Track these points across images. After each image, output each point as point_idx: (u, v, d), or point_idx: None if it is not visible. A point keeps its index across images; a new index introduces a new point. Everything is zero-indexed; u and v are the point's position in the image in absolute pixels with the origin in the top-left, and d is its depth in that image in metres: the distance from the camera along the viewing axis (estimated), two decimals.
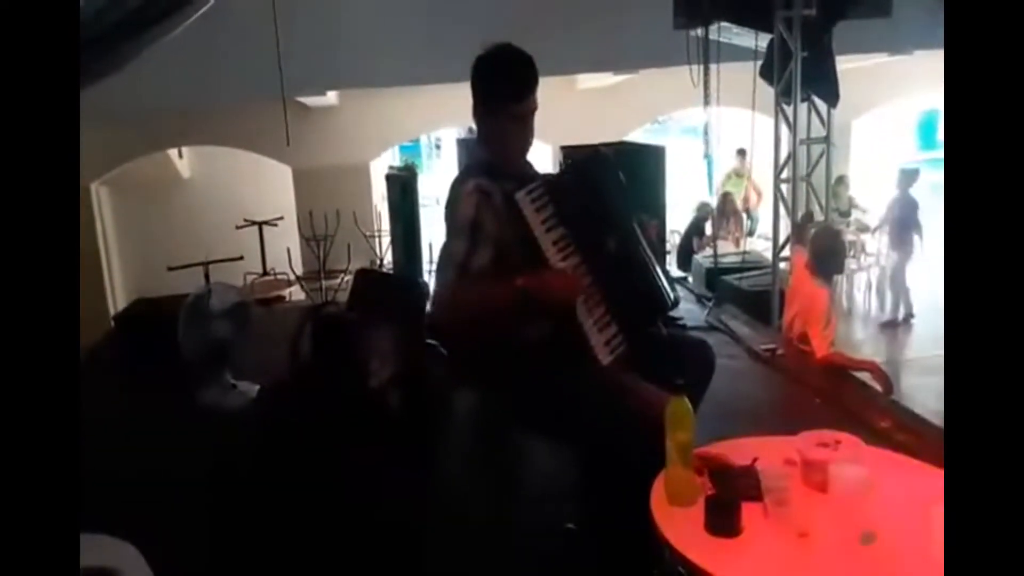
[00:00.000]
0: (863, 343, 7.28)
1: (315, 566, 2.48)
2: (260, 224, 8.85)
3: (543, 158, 8.15)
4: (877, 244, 8.26)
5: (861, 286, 8.32)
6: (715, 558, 1.46)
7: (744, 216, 9.83)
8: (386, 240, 7.90)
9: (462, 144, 6.14)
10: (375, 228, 9.33)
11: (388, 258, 7.79)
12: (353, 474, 2.91)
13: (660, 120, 12.82)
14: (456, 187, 2.13)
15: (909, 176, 7.71)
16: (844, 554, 1.47)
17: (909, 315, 7.54)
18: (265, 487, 2.98)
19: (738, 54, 5.87)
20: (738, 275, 6.17)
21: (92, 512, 1.35)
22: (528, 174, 2.20)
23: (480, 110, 2.15)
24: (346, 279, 7.44)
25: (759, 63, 5.66)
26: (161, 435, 3.59)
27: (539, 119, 2.15)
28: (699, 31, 5.72)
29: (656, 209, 4.67)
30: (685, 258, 8.36)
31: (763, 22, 5.41)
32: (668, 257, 7.81)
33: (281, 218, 9.16)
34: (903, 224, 7.68)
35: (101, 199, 10.03)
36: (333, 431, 3.05)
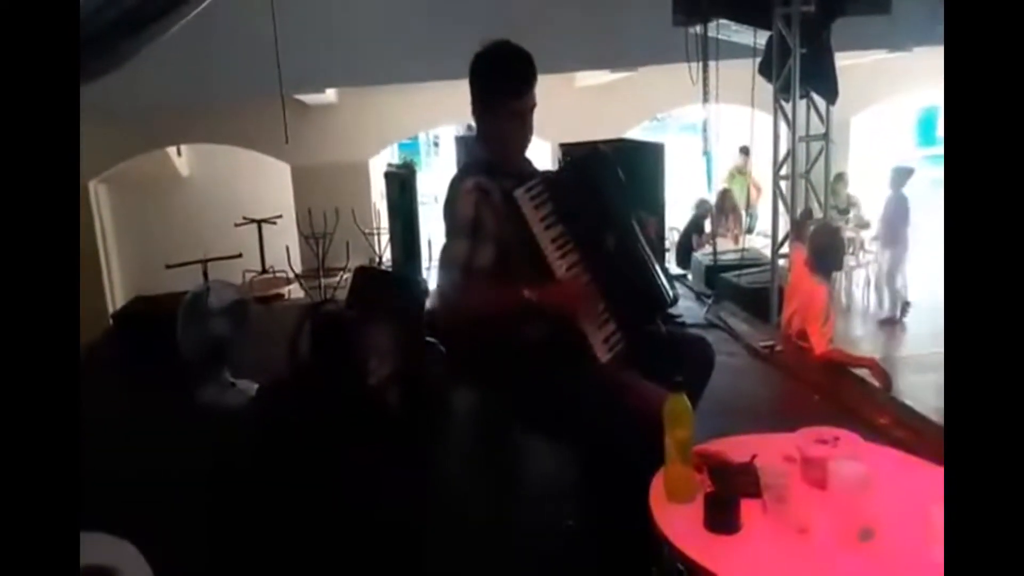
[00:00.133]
0: (862, 340, 7.29)
1: (314, 565, 2.48)
2: (259, 222, 8.84)
3: (542, 156, 8.15)
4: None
5: (860, 283, 8.33)
6: (714, 555, 1.46)
7: (743, 213, 9.83)
8: (385, 238, 7.88)
9: (460, 142, 6.12)
10: (374, 226, 9.32)
11: (387, 256, 7.78)
12: (352, 472, 2.92)
13: (659, 117, 12.80)
14: (455, 185, 2.13)
15: (902, 175, 7.73)
16: (843, 550, 1.47)
17: (903, 313, 7.57)
18: (264, 485, 2.98)
19: (737, 51, 5.87)
20: (737, 272, 6.17)
21: (91, 511, 1.34)
22: (527, 171, 2.20)
23: (479, 107, 2.15)
24: (345, 277, 7.43)
25: (758, 60, 5.66)
26: (160, 433, 3.59)
27: (538, 117, 2.15)
28: (698, 28, 5.73)
29: (655, 206, 4.67)
30: (684, 255, 8.36)
31: (762, 19, 5.41)
32: (667, 255, 7.81)
33: (280, 216, 9.15)
34: (895, 222, 7.69)
35: (100, 197, 10.02)
36: (332, 429, 3.05)
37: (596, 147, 2.48)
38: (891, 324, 7.59)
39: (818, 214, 5.58)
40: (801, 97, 5.37)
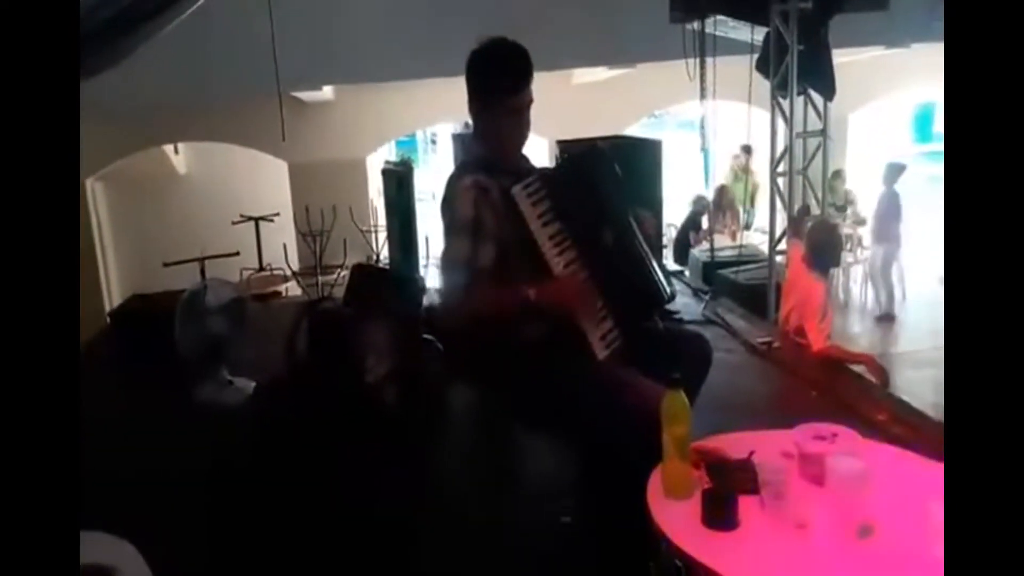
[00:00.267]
0: (859, 336, 7.31)
1: (312, 563, 2.48)
2: (256, 220, 8.82)
3: (539, 153, 8.14)
4: None
5: (858, 279, 8.34)
6: (712, 551, 1.46)
7: (741, 210, 9.85)
8: (382, 235, 7.87)
9: (458, 139, 6.12)
10: (371, 223, 9.31)
11: (384, 253, 7.77)
12: (349, 470, 2.92)
13: (657, 114, 12.82)
14: (453, 183, 2.13)
15: (894, 171, 7.75)
16: (841, 547, 1.47)
17: (890, 315, 7.61)
18: (262, 483, 2.98)
19: (734, 48, 5.86)
20: (735, 269, 6.17)
21: (89, 509, 1.34)
22: (524, 168, 2.20)
23: (476, 104, 2.14)
24: (342, 274, 7.42)
25: (755, 57, 5.66)
26: (157, 432, 3.59)
27: (535, 114, 2.15)
28: (695, 25, 5.72)
29: (653, 203, 4.66)
30: (682, 252, 8.37)
31: (759, 15, 5.40)
32: (665, 251, 7.82)
33: (277, 214, 9.14)
34: (888, 219, 7.71)
35: (96, 195, 10.00)
36: (329, 427, 3.05)
37: (594, 144, 2.48)
38: (888, 321, 7.61)
39: (816, 211, 5.57)
40: (799, 94, 5.36)
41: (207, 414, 3.74)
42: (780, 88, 5.40)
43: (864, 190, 9.09)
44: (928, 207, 7.88)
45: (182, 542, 2.49)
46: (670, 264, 7.93)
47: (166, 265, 6.74)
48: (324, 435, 3.06)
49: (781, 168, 5.60)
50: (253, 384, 3.85)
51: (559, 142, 4.92)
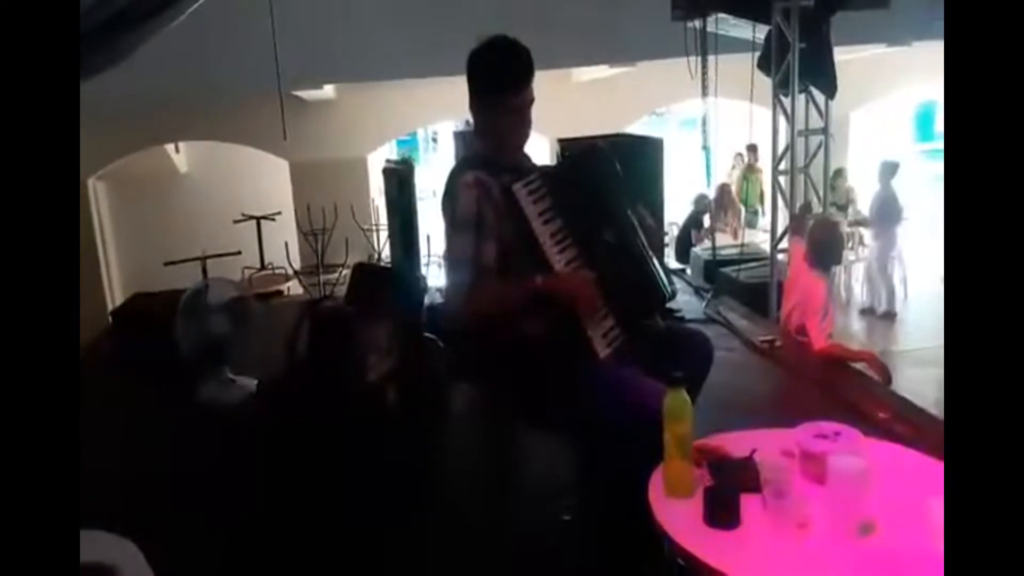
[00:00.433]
0: (861, 334, 7.30)
1: (314, 562, 2.48)
2: (258, 219, 8.83)
3: (540, 151, 8.14)
4: None
5: (859, 277, 8.34)
6: (714, 550, 1.46)
7: (743, 209, 9.85)
8: (384, 234, 7.88)
9: (459, 137, 6.12)
10: (372, 222, 9.32)
11: (386, 252, 7.77)
12: (351, 469, 2.91)
13: (659, 112, 12.80)
14: (453, 179, 2.13)
15: (889, 169, 7.76)
16: (843, 545, 1.47)
17: (890, 312, 7.61)
18: (263, 481, 2.98)
19: (736, 46, 5.86)
20: (736, 267, 6.17)
21: (90, 508, 1.34)
22: (525, 167, 2.19)
23: (477, 103, 2.14)
24: (344, 273, 7.43)
25: (757, 55, 5.65)
26: (159, 430, 3.59)
27: (536, 112, 2.15)
28: (697, 23, 5.71)
29: (654, 202, 4.66)
30: (683, 250, 8.37)
31: (761, 13, 5.40)
32: (666, 250, 7.81)
33: (279, 213, 9.15)
34: (883, 217, 7.72)
35: (98, 194, 10.01)
36: (331, 426, 3.05)
37: (595, 143, 2.47)
38: (889, 318, 7.62)
39: (817, 209, 5.57)
40: (800, 92, 5.36)
41: (209, 413, 3.74)
42: (782, 86, 5.39)
43: (865, 188, 9.08)
44: (930, 205, 7.88)
45: (184, 541, 2.49)
46: (672, 262, 7.93)
47: (168, 264, 6.76)
48: (326, 434, 3.06)
49: (783, 166, 5.59)
50: (255, 383, 3.85)
51: (560, 140, 4.92)
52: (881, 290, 7.74)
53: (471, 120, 2.24)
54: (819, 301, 3.95)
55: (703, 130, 6.89)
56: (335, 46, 7.25)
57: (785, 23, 5.20)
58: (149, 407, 3.85)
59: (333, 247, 8.67)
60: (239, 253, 7.78)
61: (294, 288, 8.12)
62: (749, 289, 5.67)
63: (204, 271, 6.29)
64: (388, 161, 7.09)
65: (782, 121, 5.53)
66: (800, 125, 5.49)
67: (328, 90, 9.05)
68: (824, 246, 4.07)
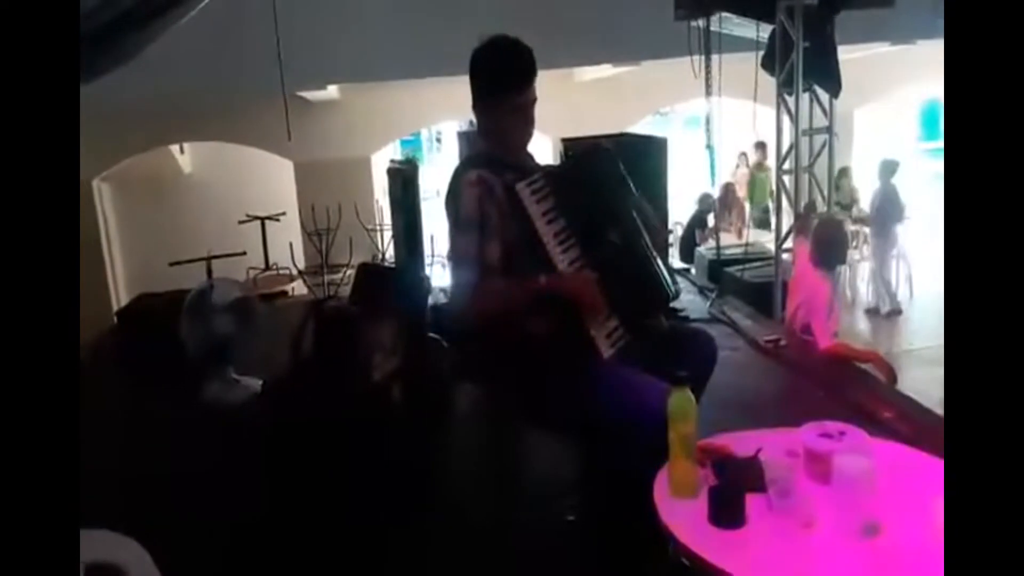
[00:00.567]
0: (866, 334, 7.29)
1: (318, 562, 2.48)
2: (262, 219, 8.85)
3: (543, 151, 8.14)
4: None
5: (864, 277, 8.32)
6: (719, 550, 1.45)
7: (748, 208, 9.84)
8: (388, 234, 7.89)
9: (463, 137, 6.11)
10: (377, 222, 9.33)
11: (390, 252, 7.78)
12: (355, 468, 2.92)
13: (663, 112, 12.78)
14: (457, 178, 2.13)
15: (889, 168, 7.76)
16: (848, 545, 1.47)
17: (897, 310, 7.61)
18: (267, 481, 2.99)
19: (739, 45, 5.85)
20: (741, 267, 6.16)
21: (94, 508, 1.35)
22: (529, 166, 2.19)
23: (480, 103, 2.14)
24: (348, 273, 7.43)
25: (761, 54, 5.64)
26: (164, 430, 3.60)
27: (539, 112, 2.15)
28: (700, 22, 5.71)
29: (658, 201, 4.66)
30: (688, 250, 8.36)
31: (765, 12, 5.39)
32: (671, 249, 7.80)
33: (283, 213, 9.16)
34: (882, 215, 7.71)
35: (103, 195, 10.04)
36: (335, 425, 3.06)
37: (598, 142, 2.47)
38: (894, 315, 7.62)
39: (821, 208, 5.56)
40: (804, 91, 5.34)
41: (213, 413, 3.75)
42: (786, 85, 5.38)
43: (869, 187, 9.06)
44: (935, 204, 7.85)
45: (188, 541, 2.50)
46: (676, 262, 7.92)
47: (172, 264, 6.77)
48: (330, 434, 3.06)
49: (787, 165, 5.58)
50: (259, 383, 3.86)
51: (564, 140, 4.92)
52: (881, 289, 7.73)
53: (475, 120, 2.24)
54: (824, 300, 3.94)
55: (707, 129, 6.88)
56: (339, 46, 7.26)
57: (789, 22, 5.19)
58: (153, 407, 3.85)
59: (337, 247, 8.67)
60: (244, 253, 7.79)
61: (298, 288, 8.13)
62: (754, 289, 5.66)
63: (209, 271, 6.29)
64: (392, 161, 7.10)
65: (786, 120, 5.53)
66: (804, 124, 5.49)
67: (332, 90, 9.06)
68: (829, 245, 4.06)
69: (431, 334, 3.57)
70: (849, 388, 3.69)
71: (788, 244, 5.47)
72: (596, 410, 1.94)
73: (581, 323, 2.01)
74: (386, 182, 6.23)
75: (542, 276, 1.98)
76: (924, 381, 4.33)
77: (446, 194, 2.16)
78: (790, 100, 5.40)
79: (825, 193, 5.69)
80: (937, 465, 1.73)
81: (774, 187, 9.74)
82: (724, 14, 5.59)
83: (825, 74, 5.35)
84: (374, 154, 10.21)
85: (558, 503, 2.52)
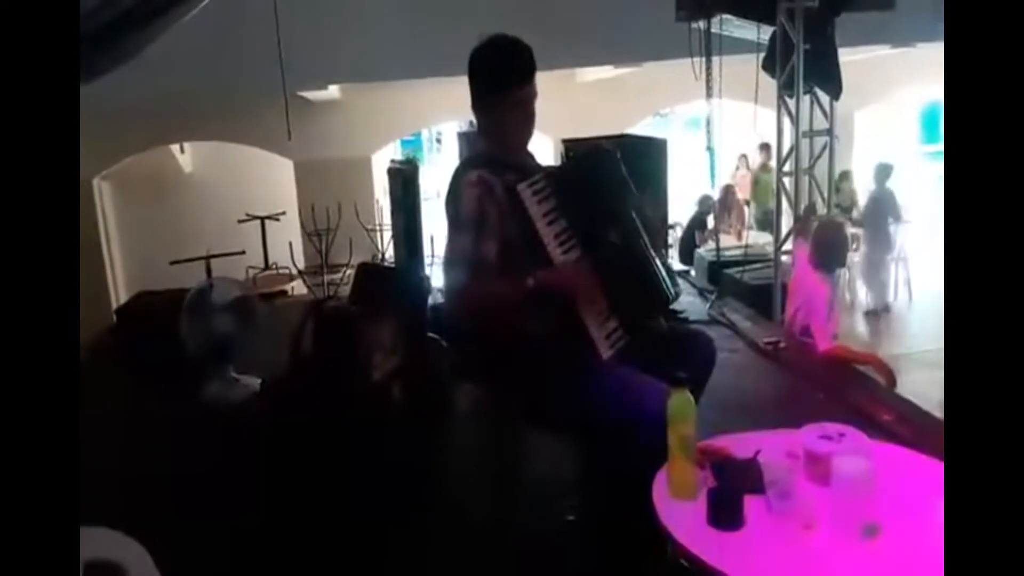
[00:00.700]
0: (866, 336, 7.29)
1: (318, 561, 2.48)
2: (262, 218, 8.85)
3: (544, 152, 8.14)
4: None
5: (873, 278, 8.31)
6: (718, 551, 1.46)
7: (746, 209, 9.83)
8: (388, 234, 7.89)
9: (463, 137, 6.12)
10: (376, 222, 9.33)
11: (390, 252, 7.78)
12: (355, 468, 2.92)
13: (663, 113, 12.79)
14: (457, 178, 2.13)
15: (884, 171, 7.79)
16: (847, 547, 1.47)
17: (886, 308, 7.65)
18: (266, 481, 2.99)
19: (740, 47, 5.85)
20: (740, 268, 6.16)
21: (93, 507, 1.35)
22: (530, 166, 2.20)
23: (480, 101, 2.14)
24: (348, 273, 7.44)
25: (761, 55, 5.64)
26: (163, 429, 3.60)
27: (540, 112, 2.15)
28: (701, 24, 5.71)
29: (658, 202, 4.66)
30: (687, 252, 8.36)
31: (765, 14, 5.39)
32: (670, 251, 7.81)
33: (283, 212, 9.16)
34: (877, 219, 7.72)
35: (103, 194, 10.04)
36: (335, 425, 3.06)
37: (599, 143, 2.47)
38: (875, 316, 7.65)
39: (821, 210, 5.56)
40: (805, 93, 5.35)
41: (212, 412, 3.75)
42: (786, 87, 5.38)
43: (870, 190, 9.06)
44: (935, 207, 7.85)
45: (187, 540, 2.49)
46: (676, 264, 7.92)
47: (172, 263, 6.77)
48: (329, 433, 3.06)
49: (787, 167, 5.58)
50: (258, 382, 3.86)
51: (564, 141, 4.93)
52: (875, 289, 7.75)
53: (475, 121, 2.24)
54: (823, 303, 3.94)
55: (707, 131, 6.89)
56: (340, 46, 7.26)
57: (790, 24, 5.20)
58: (153, 406, 3.86)
59: (337, 247, 8.67)
60: (243, 253, 7.79)
61: (298, 288, 8.13)
62: (753, 291, 5.66)
63: (208, 270, 6.29)
64: (392, 161, 7.10)
65: (786, 122, 5.53)
66: (805, 126, 5.48)
67: (333, 90, 9.06)
68: (829, 247, 4.06)
69: (431, 334, 3.58)
70: (848, 390, 3.69)
71: (788, 246, 5.47)
72: (595, 411, 1.94)
73: (580, 323, 2.01)
74: (386, 182, 6.24)
75: (530, 278, 1.97)
76: (924, 384, 4.33)
77: (446, 194, 2.16)
78: (791, 102, 5.40)
79: (825, 195, 5.70)
80: (936, 467, 1.73)
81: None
82: (725, 16, 5.59)
83: (826, 76, 5.35)
84: (374, 154, 10.21)
85: (557, 503, 2.52)
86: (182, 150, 10.64)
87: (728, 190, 9.76)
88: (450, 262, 2.05)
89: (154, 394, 3.95)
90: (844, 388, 3.71)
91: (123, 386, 4.22)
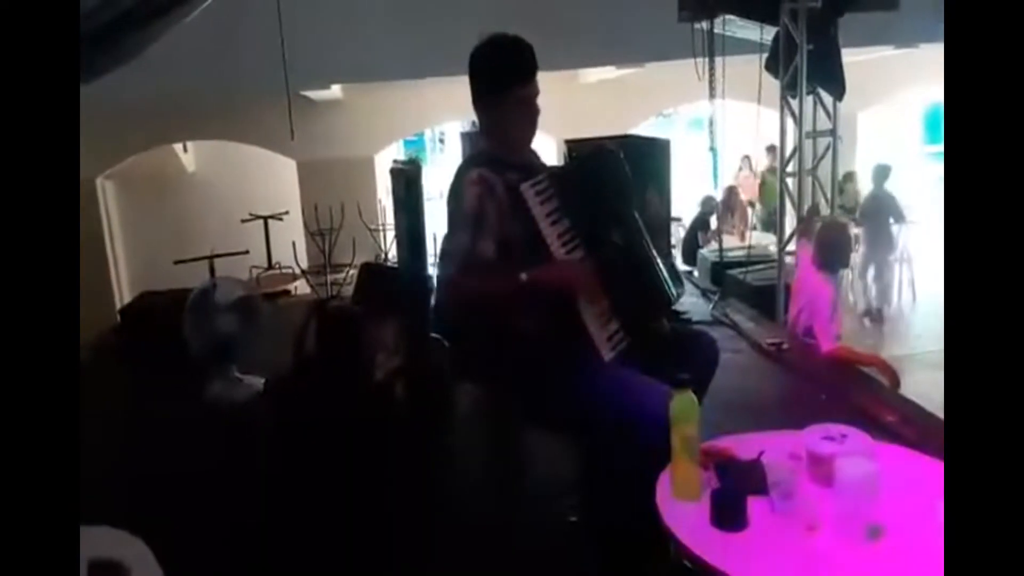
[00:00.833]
0: (869, 337, 7.27)
1: (320, 560, 2.48)
2: (265, 218, 8.86)
3: (547, 152, 8.13)
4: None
5: (867, 280, 8.30)
6: (721, 552, 1.45)
7: (750, 211, 9.82)
8: (390, 234, 7.89)
9: (466, 138, 6.12)
10: (379, 222, 9.33)
11: (393, 252, 7.78)
12: (358, 467, 2.92)
13: (666, 114, 12.79)
14: (458, 176, 2.13)
15: (882, 172, 7.78)
16: (850, 548, 1.46)
17: (879, 310, 7.64)
18: (271, 480, 2.99)
19: (743, 47, 5.85)
20: (743, 269, 6.16)
21: (96, 506, 1.35)
22: (534, 164, 2.20)
23: (482, 100, 2.14)
24: (351, 273, 7.44)
25: (764, 56, 5.64)
26: (166, 428, 3.61)
27: (543, 113, 2.14)
28: (704, 24, 5.71)
29: (663, 201, 4.65)
30: (690, 252, 8.35)
31: (768, 15, 5.39)
32: (673, 251, 7.79)
33: (286, 212, 9.17)
34: (875, 220, 7.72)
35: (107, 193, 10.06)
36: (338, 424, 3.06)
37: (603, 144, 2.47)
38: (870, 317, 7.65)
39: (825, 211, 5.55)
40: (808, 93, 5.34)
41: (216, 411, 3.75)
42: (789, 88, 5.38)
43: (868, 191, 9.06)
44: (938, 207, 7.84)
45: (190, 539, 2.50)
46: (679, 264, 7.91)
47: (176, 263, 6.78)
48: (332, 433, 3.06)
49: (791, 168, 5.58)
50: (262, 382, 3.86)
51: (567, 142, 4.92)
52: (872, 290, 7.75)
53: (477, 121, 2.24)
54: (826, 304, 3.94)
55: (710, 132, 6.89)
56: (343, 46, 7.27)
57: (793, 24, 5.19)
58: (156, 405, 3.86)
59: (340, 247, 8.67)
60: (247, 252, 7.79)
61: (301, 287, 8.13)
62: (756, 291, 5.65)
63: (212, 270, 6.31)
64: (395, 161, 7.10)
65: (790, 123, 5.52)
66: (808, 127, 5.48)
67: (336, 90, 9.07)
68: (832, 248, 4.06)
69: (433, 334, 3.58)
70: (852, 391, 3.69)
71: (791, 247, 5.47)
72: (598, 411, 1.94)
73: (582, 325, 2.00)
74: (389, 182, 6.24)
75: (523, 274, 1.96)
76: (927, 385, 4.32)
77: (448, 193, 2.16)
78: (794, 103, 5.39)
79: (828, 196, 5.69)
80: (939, 469, 1.72)
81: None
82: (728, 16, 5.59)
83: (829, 77, 5.34)
84: (377, 154, 10.22)
85: (560, 504, 2.52)
86: (185, 149, 10.65)
87: (731, 191, 9.76)
88: (445, 254, 2.05)
89: (158, 394, 3.96)
90: (847, 389, 3.70)
91: (127, 386, 4.23)
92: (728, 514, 1.53)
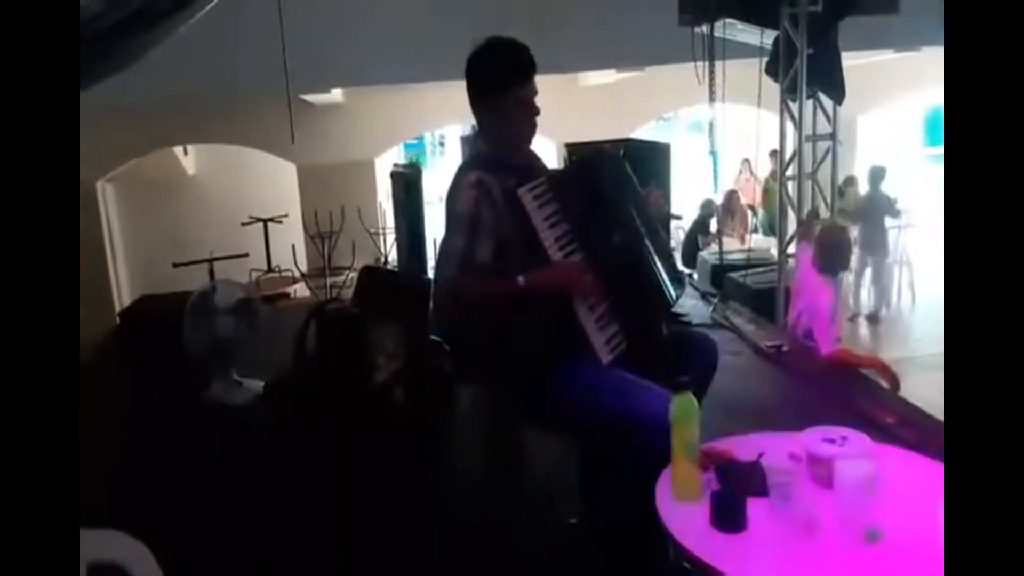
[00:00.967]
0: (868, 340, 7.28)
1: (321, 562, 2.48)
2: (265, 221, 8.87)
3: (547, 156, 8.13)
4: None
5: (866, 283, 8.31)
6: (720, 554, 1.45)
7: (750, 215, 9.83)
8: (390, 237, 7.90)
9: (466, 141, 6.12)
10: (379, 225, 9.34)
11: (393, 255, 7.79)
12: (358, 470, 2.92)
13: (666, 117, 12.80)
14: (458, 178, 2.13)
15: (878, 174, 7.81)
16: (850, 550, 1.46)
17: (877, 312, 7.67)
18: (270, 482, 2.99)
19: (744, 51, 5.85)
20: (743, 272, 6.16)
21: (96, 508, 1.35)
22: (535, 167, 2.20)
23: (480, 103, 2.14)
24: (351, 276, 7.44)
25: (765, 60, 5.65)
26: (166, 431, 3.61)
27: (543, 116, 2.14)
28: (704, 28, 5.71)
29: (664, 203, 4.65)
30: (690, 255, 8.36)
31: (768, 18, 5.39)
32: (673, 253, 7.80)
33: (286, 215, 9.18)
34: (874, 221, 7.73)
35: (107, 196, 10.06)
36: (338, 427, 3.06)
37: (602, 147, 2.47)
38: (868, 320, 7.66)
39: (825, 214, 5.56)
40: (808, 97, 5.35)
41: (215, 414, 3.75)
42: (789, 91, 5.39)
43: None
44: (938, 210, 7.85)
45: (190, 541, 2.50)
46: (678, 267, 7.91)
47: (176, 266, 6.79)
48: (332, 435, 3.07)
49: (791, 172, 5.58)
50: (261, 384, 3.86)
51: (567, 145, 4.92)
52: (866, 292, 7.77)
53: (476, 124, 2.25)
54: (826, 306, 3.94)
55: (710, 135, 6.89)
56: (343, 50, 7.28)
57: (793, 28, 5.20)
58: (156, 408, 3.86)
59: (340, 250, 8.68)
60: (246, 255, 7.80)
61: (301, 291, 8.14)
62: (756, 294, 5.66)
63: (211, 273, 6.31)
64: (395, 165, 7.12)
65: (790, 126, 5.53)
66: (808, 130, 5.49)
67: (336, 94, 9.08)
68: (832, 251, 4.06)
69: (432, 337, 3.58)
70: (852, 393, 3.68)
71: (791, 250, 5.47)
72: (598, 414, 1.94)
73: (580, 326, 2.00)
74: (389, 186, 6.25)
75: (520, 277, 1.96)
76: (927, 387, 4.31)
77: (447, 194, 2.16)
78: (794, 106, 5.40)
79: (828, 199, 5.70)
80: (939, 470, 1.72)
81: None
82: (728, 20, 5.60)
83: (829, 80, 5.35)
84: (377, 157, 10.23)
85: (560, 505, 2.52)
86: (185, 152, 10.67)
87: (732, 195, 9.77)
88: (443, 256, 2.05)
89: (157, 396, 3.96)
90: (847, 391, 3.70)
91: (127, 388, 4.23)
92: (728, 515, 1.53)
